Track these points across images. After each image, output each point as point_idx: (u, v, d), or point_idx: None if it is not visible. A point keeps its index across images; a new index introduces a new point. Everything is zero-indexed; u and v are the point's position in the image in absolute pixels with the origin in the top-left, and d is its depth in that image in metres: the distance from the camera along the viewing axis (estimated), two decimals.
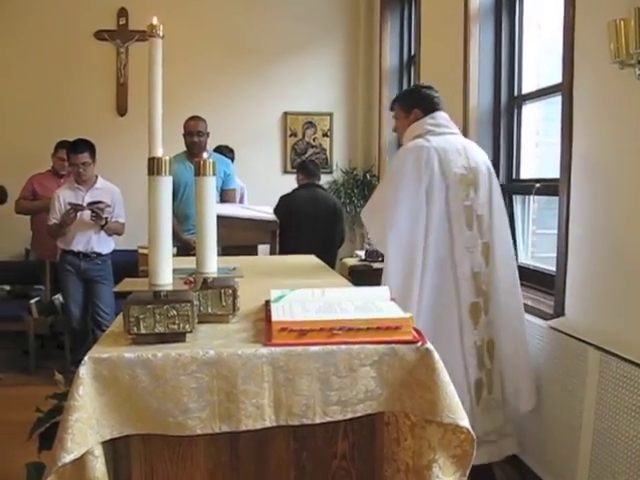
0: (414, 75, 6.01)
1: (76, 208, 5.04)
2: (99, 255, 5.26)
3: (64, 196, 5.20)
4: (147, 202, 1.56)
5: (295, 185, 5.74)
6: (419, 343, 1.57)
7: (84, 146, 5.14)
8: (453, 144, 3.08)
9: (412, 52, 6.20)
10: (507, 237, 3.19)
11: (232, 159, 5.96)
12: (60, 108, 6.69)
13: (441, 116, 3.17)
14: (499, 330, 3.08)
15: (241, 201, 6.18)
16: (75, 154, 5.13)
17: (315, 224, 5.41)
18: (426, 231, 2.93)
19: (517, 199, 4.20)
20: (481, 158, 3.17)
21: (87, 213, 5.11)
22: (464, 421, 1.54)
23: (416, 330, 1.63)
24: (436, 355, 1.56)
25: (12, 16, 6.71)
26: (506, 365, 3.08)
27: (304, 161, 6.22)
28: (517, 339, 3.11)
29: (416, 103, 3.19)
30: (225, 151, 5.89)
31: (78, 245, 5.21)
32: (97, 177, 5.31)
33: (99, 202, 5.11)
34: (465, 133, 4.35)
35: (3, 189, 5.34)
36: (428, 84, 3.36)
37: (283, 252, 4.46)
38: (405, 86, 6.42)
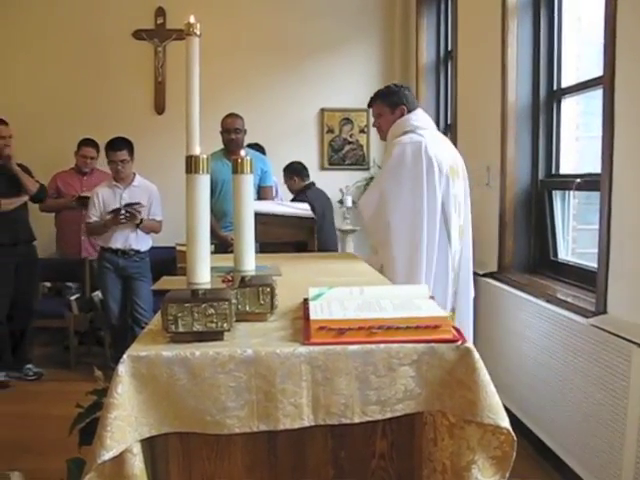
0: (451, 70, 5.95)
1: (115, 212, 5.11)
2: (137, 252, 5.31)
3: (103, 194, 5.27)
4: (185, 200, 1.56)
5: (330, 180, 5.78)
6: (459, 342, 1.55)
7: (122, 144, 5.20)
8: (439, 139, 3.44)
9: (449, 47, 6.13)
10: (469, 219, 3.57)
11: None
12: (98, 107, 6.76)
13: (422, 113, 3.46)
14: (459, 299, 3.45)
15: (275, 196, 6.22)
16: (114, 151, 5.19)
17: (328, 223, 5.52)
18: (428, 218, 3.19)
19: (557, 195, 4.14)
20: (455, 151, 3.57)
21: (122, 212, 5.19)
22: (505, 422, 1.52)
23: (456, 329, 1.61)
24: (476, 354, 1.54)
25: (51, 16, 6.81)
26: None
27: (292, 164, 6.07)
28: (468, 306, 3.50)
29: (401, 100, 3.42)
30: (256, 149, 5.92)
31: (116, 242, 5.26)
32: (135, 175, 5.37)
33: (136, 203, 5.16)
34: (503, 129, 4.32)
35: (44, 187, 5.42)
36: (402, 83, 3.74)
37: None
38: (442, 82, 6.36)
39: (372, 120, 3.67)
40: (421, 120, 3.39)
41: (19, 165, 5.23)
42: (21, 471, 2.84)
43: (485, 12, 4.64)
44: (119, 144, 5.20)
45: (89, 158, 6.12)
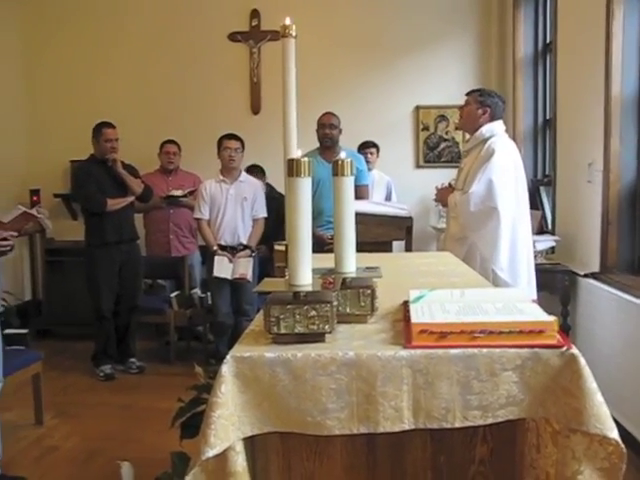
0: (550, 64, 5.78)
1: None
2: (245, 247, 5.42)
3: (210, 188, 5.42)
4: (286, 202, 1.58)
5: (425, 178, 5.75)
6: (564, 348, 1.51)
7: (237, 136, 5.46)
8: (512, 143, 4.07)
9: (548, 39, 5.96)
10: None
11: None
12: (196, 108, 6.93)
13: (502, 124, 4.02)
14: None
15: (389, 197, 6.24)
16: (228, 139, 5.42)
17: None
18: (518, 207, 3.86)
19: None
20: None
21: (232, 205, 5.40)
22: (613, 432, 1.46)
23: (560, 334, 1.56)
24: (582, 361, 1.49)
25: (149, 21, 7.02)
26: None
27: None
28: None
29: (490, 104, 3.99)
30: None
31: (225, 236, 5.39)
32: (241, 171, 5.52)
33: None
34: (606, 123, 4.18)
35: (149, 188, 5.60)
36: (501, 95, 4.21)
37: None
38: (540, 76, 6.19)
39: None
40: (501, 129, 4.00)
41: (126, 165, 5.44)
42: (128, 460, 2.96)
43: (588, 0, 4.48)
44: (234, 135, 5.45)
45: (172, 154, 6.31)
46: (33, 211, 3.43)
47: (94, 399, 4.93)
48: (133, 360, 5.59)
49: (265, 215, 5.51)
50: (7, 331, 4.66)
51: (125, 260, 5.45)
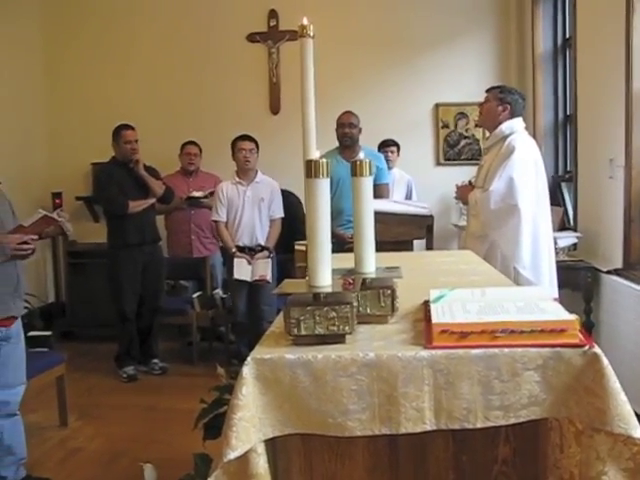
0: (569, 59, 5.74)
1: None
2: (264, 248, 5.43)
3: (227, 190, 5.44)
4: (305, 203, 1.58)
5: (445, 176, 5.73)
6: (586, 347, 1.49)
7: (251, 137, 5.47)
8: (532, 140, 4.04)
9: (567, 35, 5.91)
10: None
11: None
12: (215, 109, 6.95)
13: (522, 121, 3.99)
14: None
15: (409, 196, 6.24)
16: (242, 140, 5.44)
17: None
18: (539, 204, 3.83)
19: None
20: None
21: (250, 206, 5.41)
22: (637, 432, 1.45)
23: (582, 333, 1.55)
24: (605, 360, 1.48)
25: (167, 22, 7.05)
26: None
27: None
28: None
29: (510, 101, 3.96)
30: None
31: (244, 238, 5.40)
32: (257, 172, 5.52)
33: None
34: (628, 118, 4.15)
35: (170, 189, 5.62)
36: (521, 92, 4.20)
37: None
38: (560, 72, 6.15)
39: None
40: (521, 126, 3.96)
41: (147, 167, 5.48)
42: (151, 461, 2.97)
43: None
44: (247, 136, 5.47)
45: (192, 155, 6.35)
46: (54, 215, 3.46)
47: (117, 400, 4.96)
48: (156, 361, 5.62)
49: (282, 215, 5.51)
50: (31, 333, 4.70)
51: (147, 262, 5.48)
